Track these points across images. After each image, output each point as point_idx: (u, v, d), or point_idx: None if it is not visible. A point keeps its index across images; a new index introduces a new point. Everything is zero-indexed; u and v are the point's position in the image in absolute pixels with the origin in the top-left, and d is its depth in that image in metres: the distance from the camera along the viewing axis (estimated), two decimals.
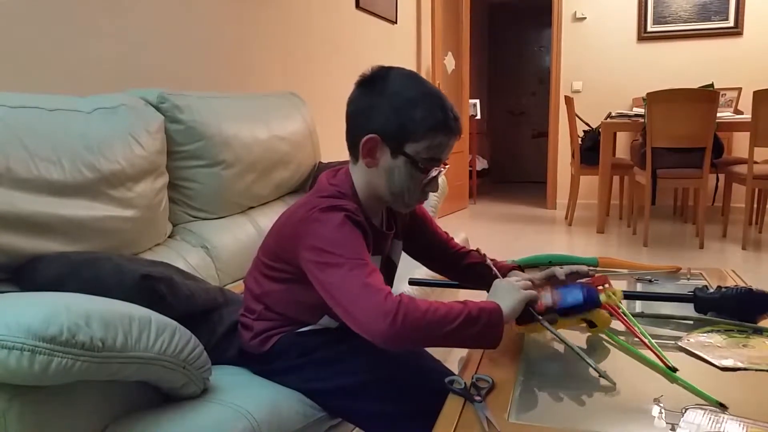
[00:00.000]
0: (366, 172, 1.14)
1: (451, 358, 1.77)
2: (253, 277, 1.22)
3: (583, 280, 1.25)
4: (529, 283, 1.12)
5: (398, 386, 1.11)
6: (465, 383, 0.94)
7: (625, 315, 1.13)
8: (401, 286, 1.78)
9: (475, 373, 0.98)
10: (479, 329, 0.99)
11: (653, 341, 1.04)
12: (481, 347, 1.07)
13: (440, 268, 1.45)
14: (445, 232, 1.43)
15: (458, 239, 2.41)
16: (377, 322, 0.94)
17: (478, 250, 1.39)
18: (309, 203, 1.11)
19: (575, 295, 1.07)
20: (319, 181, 1.19)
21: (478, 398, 0.88)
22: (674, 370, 0.95)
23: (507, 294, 1.07)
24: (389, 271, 1.31)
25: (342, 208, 1.07)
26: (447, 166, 1.17)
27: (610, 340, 1.10)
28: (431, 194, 2.52)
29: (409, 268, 1.95)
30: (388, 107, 1.09)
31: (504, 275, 1.28)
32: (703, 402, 0.86)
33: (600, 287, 1.13)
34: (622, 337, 1.10)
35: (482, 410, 0.85)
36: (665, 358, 0.99)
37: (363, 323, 0.96)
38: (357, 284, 0.98)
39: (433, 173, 1.12)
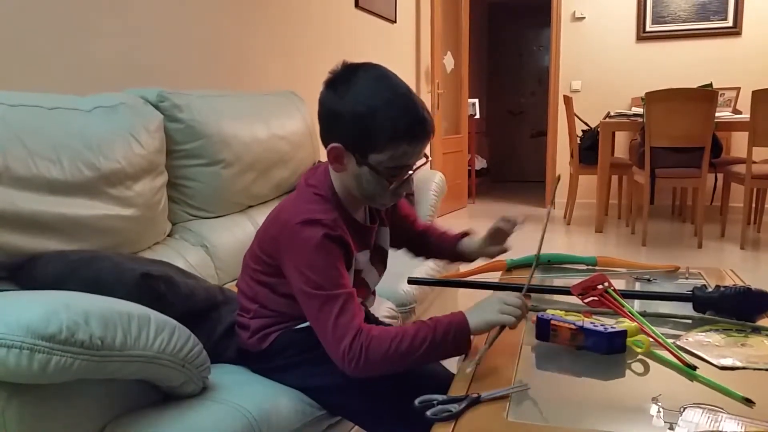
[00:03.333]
0: (339, 174, 1.14)
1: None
2: (244, 280, 1.23)
3: (579, 282, 1.25)
4: (520, 306, 1.05)
5: (397, 385, 1.11)
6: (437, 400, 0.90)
7: (634, 316, 1.13)
8: (400, 284, 1.78)
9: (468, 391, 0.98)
10: (443, 351, 1.05)
11: (668, 341, 1.04)
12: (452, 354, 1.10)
13: (406, 248, 1.49)
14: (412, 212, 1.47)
15: None
16: (342, 362, 1.02)
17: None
18: (290, 209, 1.12)
19: (598, 343, 1.03)
20: (299, 183, 1.19)
21: (475, 395, 0.88)
22: (693, 368, 0.95)
23: (486, 312, 1.06)
24: (381, 257, 1.33)
25: (321, 223, 1.06)
26: (429, 160, 1.17)
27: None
28: (431, 194, 2.56)
29: (408, 266, 1.95)
30: (350, 116, 1.05)
31: (456, 242, 1.40)
32: (703, 402, 0.86)
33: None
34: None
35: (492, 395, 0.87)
36: (683, 356, 0.99)
37: (332, 358, 1.04)
38: (328, 322, 1.03)
39: (403, 177, 1.11)
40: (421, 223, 1.46)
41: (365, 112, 1.04)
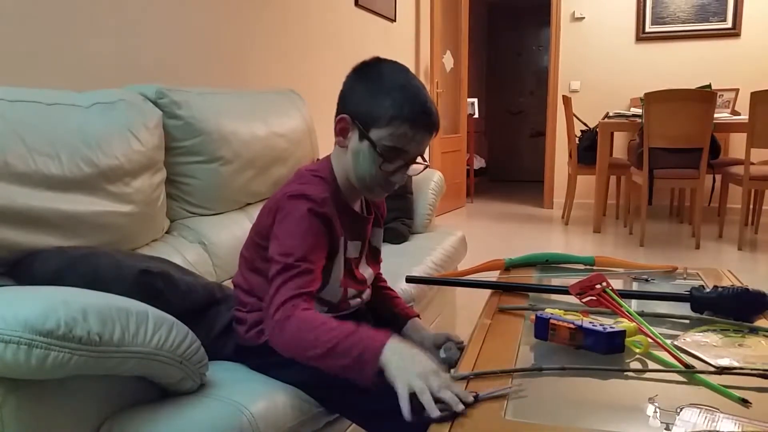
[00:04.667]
0: (341, 155, 1.19)
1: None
2: (241, 274, 1.26)
3: (579, 281, 1.25)
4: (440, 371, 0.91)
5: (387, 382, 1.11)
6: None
7: (632, 315, 1.13)
8: (398, 282, 1.78)
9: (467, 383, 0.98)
10: (347, 363, 0.96)
11: (666, 341, 1.04)
12: (355, 379, 0.97)
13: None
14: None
15: (455, 237, 2.42)
16: (267, 325, 1.06)
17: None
18: (284, 189, 1.16)
19: (597, 343, 1.02)
20: (297, 170, 1.24)
21: (473, 393, 0.88)
22: (691, 368, 0.95)
23: (410, 364, 0.92)
24: (375, 257, 1.35)
25: (308, 197, 1.10)
26: (426, 164, 1.20)
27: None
28: (429, 193, 2.57)
29: (406, 265, 1.96)
30: (363, 92, 1.13)
31: (404, 323, 1.34)
32: (700, 402, 0.86)
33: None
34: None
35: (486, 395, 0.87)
36: (681, 356, 0.99)
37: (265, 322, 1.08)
38: (275, 284, 1.06)
39: (398, 164, 1.14)
40: (381, 276, 1.44)
41: (380, 90, 1.12)
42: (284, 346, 1.04)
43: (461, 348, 1.25)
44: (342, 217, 1.17)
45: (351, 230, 1.21)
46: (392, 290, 1.44)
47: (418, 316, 1.38)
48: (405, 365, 0.92)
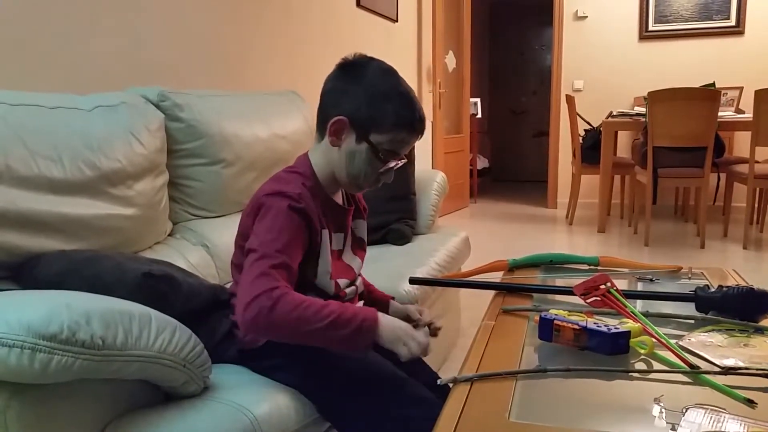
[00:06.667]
0: (328, 152, 1.20)
1: (454, 359, 1.74)
2: (234, 281, 1.26)
3: (582, 282, 1.25)
4: (422, 347, 1.08)
5: (395, 396, 1.11)
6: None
7: (636, 316, 1.12)
8: (401, 284, 1.78)
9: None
10: (342, 336, 1.03)
11: (671, 341, 1.03)
12: (349, 350, 1.12)
13: None
14: None
15: (458, 238, 2.42)
16: (244, 313, 1.00)
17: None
18: (261, 189, 1.17)
19: (602, 344, 1.02)
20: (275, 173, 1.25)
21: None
22: (696, 369, 0.95)
23: (399, 334, 1.07)
24: (360, 246, 1.36)
25: (286, 194, 1.11)
26: (404, 161, 1.23)
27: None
28: (432, 193, 2.56)
29: (409, 266, 1.95)
30: (362, 95, 1.14)
31: (385, 307, 1.35)
32: (705, 403, 0.85)
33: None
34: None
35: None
36: (686, 356, 0.98)
37: (239, 309, 1.02)
38: (255, 272, 1.03)
39: (390, 164, 1.18)
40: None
41: (379, 95, 1.14)
42: (275, 328, 1.02)
43: (434, 329, 1.28)
44: (324, 210, 1.19)
45: (334, 223, 1.23)
46: (366, 280, 1.45)
47: (392, 298, 1.42)
48: (397, 332, 1.07)
